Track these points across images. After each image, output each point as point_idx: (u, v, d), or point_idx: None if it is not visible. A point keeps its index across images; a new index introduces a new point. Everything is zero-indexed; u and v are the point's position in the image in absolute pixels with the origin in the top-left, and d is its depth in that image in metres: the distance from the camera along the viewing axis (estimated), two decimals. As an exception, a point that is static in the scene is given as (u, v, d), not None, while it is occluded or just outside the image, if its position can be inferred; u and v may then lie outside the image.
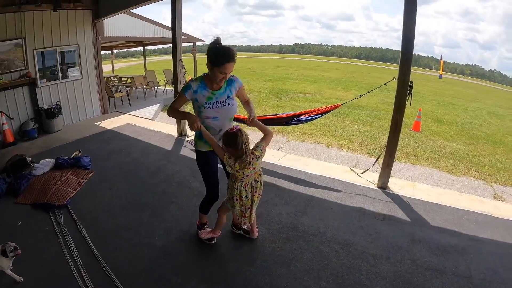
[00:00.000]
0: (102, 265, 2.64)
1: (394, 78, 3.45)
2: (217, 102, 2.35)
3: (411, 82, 3.35)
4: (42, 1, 6.19)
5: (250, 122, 2.32)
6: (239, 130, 2.14)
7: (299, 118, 4.28)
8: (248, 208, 2.37)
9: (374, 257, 2.56)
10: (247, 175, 2.26)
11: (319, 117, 4.27)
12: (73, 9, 6.92)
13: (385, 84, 3.85)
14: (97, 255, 2.76)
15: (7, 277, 2.45)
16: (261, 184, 2.40)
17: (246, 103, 2.61)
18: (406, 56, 3.29)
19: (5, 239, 2.63)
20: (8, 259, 2.43)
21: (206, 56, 2.22)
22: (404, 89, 3.37)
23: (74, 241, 2.96)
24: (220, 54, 2.16)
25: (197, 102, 2.36)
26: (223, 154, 2.24)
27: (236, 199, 2.34)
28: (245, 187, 2.30)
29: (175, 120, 6.10)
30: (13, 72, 6.15)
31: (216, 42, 2.18)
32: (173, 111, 2.46)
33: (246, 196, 2.33)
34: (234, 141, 2.12)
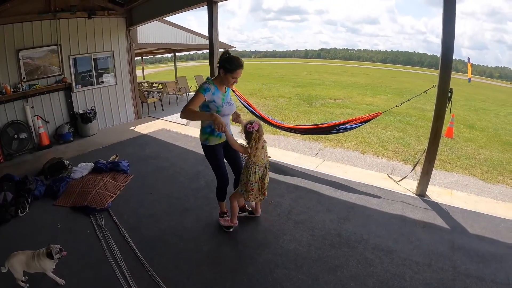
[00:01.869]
0: (148, 270, 2.58)
1: (434, 86, 3.47)
2: (228, 102, 2.78)
3: (451, 89, 3.38)
4: (77, 9, 6.33)
5: (238, 118, 2.91)
6: (258, 125, 2.64)
7: (342, 127, 4.26)
8: (264, 186, 2.80)
9: (417, 264, 2.60)
10: (263, 158, 2.73)
11: (361, 125, 4.27)
12: (107, 17, 7.08)
13: (425, 91, 3.89)
14: (142, 260, 2.70)
15: (48, 279, 2.41)
16: (268, 168, 2.87)
17: None
18: (446, 64, 3.31)
19: (46, 241, 2.63)
20: (53, 261, 2.37)
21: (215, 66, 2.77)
22: (444, 96, 3.39)
23: (117, 245, 2.92)
24: (233, 63, 2.59)
25: (214, 103, 2.66)
26: (243, 149, 2.73)
27: (255, 182, 2.75)
28: (260, 169, 2.74)
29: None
30: (49, 77, 6.30)
31: (227, 53, 2.64)
32: (191, 112, 2.55)
33: (262, 177, 2.75)
34: (250, 134, 2.63)
